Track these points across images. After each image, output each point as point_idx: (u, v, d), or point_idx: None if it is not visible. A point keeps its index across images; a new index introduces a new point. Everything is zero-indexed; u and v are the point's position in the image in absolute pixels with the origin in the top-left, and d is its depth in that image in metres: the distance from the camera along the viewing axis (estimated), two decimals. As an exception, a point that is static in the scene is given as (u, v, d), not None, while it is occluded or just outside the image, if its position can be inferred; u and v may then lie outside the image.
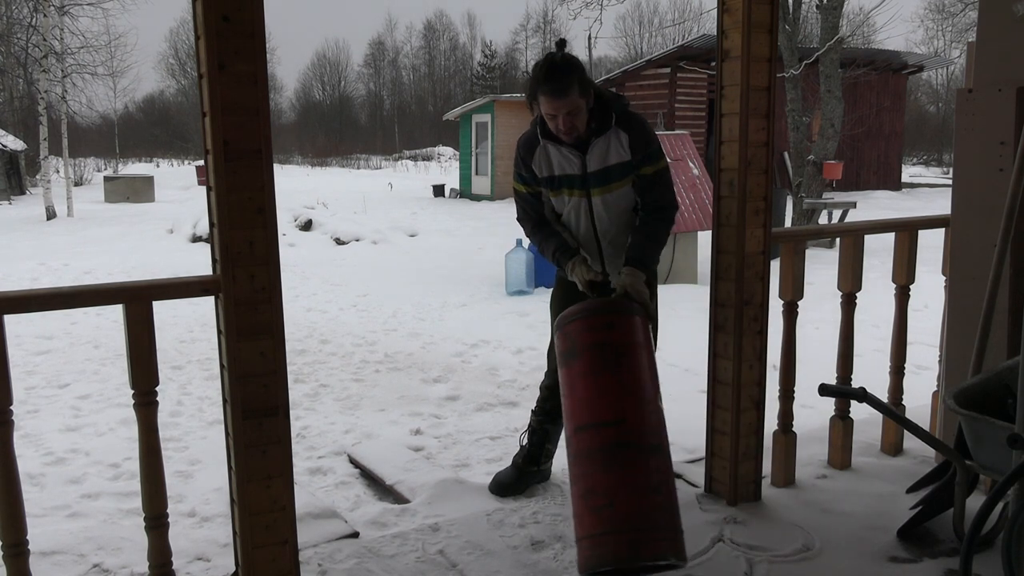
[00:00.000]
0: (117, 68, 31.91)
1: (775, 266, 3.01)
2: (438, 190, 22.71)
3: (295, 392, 5.18)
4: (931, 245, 3.92)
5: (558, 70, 2.70)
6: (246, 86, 2.15)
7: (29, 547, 2.19)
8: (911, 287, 3.58)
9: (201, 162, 13.49)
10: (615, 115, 2.83)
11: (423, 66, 67.61)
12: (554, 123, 2.78)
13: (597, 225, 2.98)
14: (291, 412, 2.48)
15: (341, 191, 22.24)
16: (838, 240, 3.65)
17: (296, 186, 23.17)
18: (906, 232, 3.51)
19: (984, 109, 3.05)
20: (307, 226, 13.97)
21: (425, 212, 17.94)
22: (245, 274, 2.22)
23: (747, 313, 3.01)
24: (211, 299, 2.29)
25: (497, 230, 14.19)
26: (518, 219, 3.13)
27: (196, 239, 13.49)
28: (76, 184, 24.74)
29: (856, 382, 3.07)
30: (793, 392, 3.30)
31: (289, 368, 2.41)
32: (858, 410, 3.41)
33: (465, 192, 22.54)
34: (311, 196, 17.70)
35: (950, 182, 4.75)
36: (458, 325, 7.40)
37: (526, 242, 8.39)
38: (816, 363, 4.27)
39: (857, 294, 3.43)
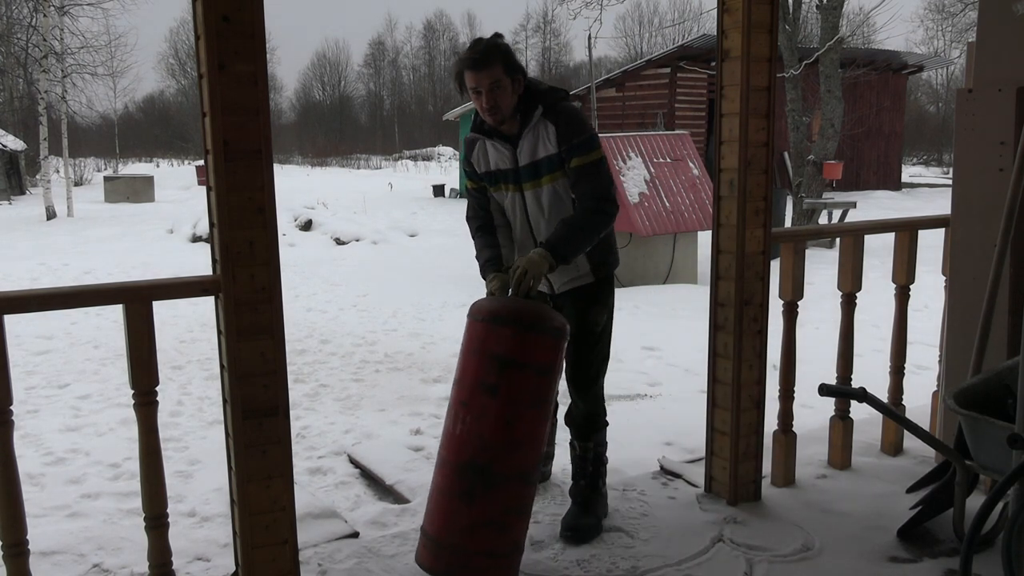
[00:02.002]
0: (117, 68, 31.89)
1: (775, 266, 3.01)
2: (438, 190, 22.71)
3: (295, 392, 5.18)
4: (931, 245, 3.92)
5: (483, 44, 2.68)
6: (246, 86, 2.15)
7: (29, 547, 2.19)
8: (911, 287, 3.58)
9: (201, 162, 13.49)
10: (543, 107, 2.75)
11: (423, 66, 67.63)
12: (479, 101, 2.70)
13: (531, 222, 2.90)
14: (291, 412, 2.48)
15: (341, 191, 22.24)
16: (838, 240, 3.65)
17: (296, 186, 23.18)
18: (906, 232, 3.51)
19: (984, 109, 3.05)
20: (307, 226, 13.97)
21: (425, 212, 17.94)
22: (245, 274, 2.22)
23: (747, 313, 3.01)
24: (211, 299, 2.29)
25: (497, 230, 14.15)
26: (466, 217, 3.07)
27: (196, 239, 13.49)
28: (76, 184, 24.75)
29: (856, 382, 3.06)
30: (793, 392, 3.30)
31: (289, 368, 2.41)
32: (858, 410, 3.41)
33: (465, 192, 22.54)
34: (311, 196, 17.70)
35: (950, 182, 4.75)
36: (458, 325, 7.34)
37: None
38: (816, 363, 4.28)
39: (857, 294, 3.43)
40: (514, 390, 2.49)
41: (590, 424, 3.01)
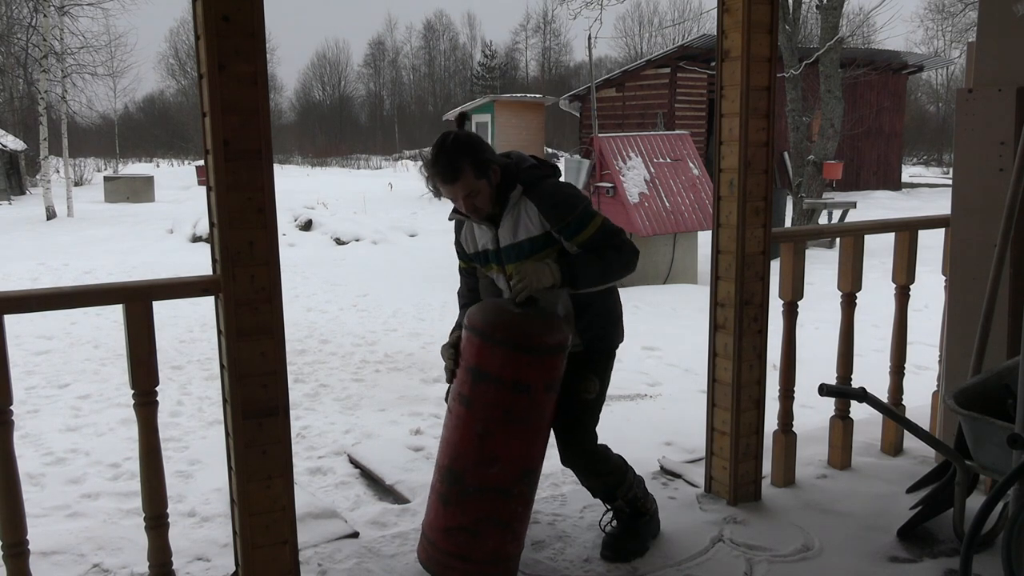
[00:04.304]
0: (117, 68, 31.86)
1: (775, 266, 3.01)
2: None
3: (295, 392, 5.18)
4: (931, 245, 3.92)
5: (447, 152, 2.48)
6: (246, 86, 2.15)
7: (29, 547, 2.19)
8: (911, 287, 3.58)
9: (201, 162, 13.49)
10: (522, 187, 2.57)
11: (423, 66, 67.60)
12: (456, 204, 2.59)
13: None
14: (291, 412, 2.48)
15: (341, 191, 22.22)
16: (838, 240, 3.65)
17: (296, 186, 23.16)
18: (906, 232, 3.51)
19: (984, 109, 3.05)
20: (307, 226, 13.97)
21: (425, 212, 17.91)
22: (245, 274, 2.22)
23: (747, 313, 3.01)
24: (211, 299, 2.29)
25: (497, 230, 14.15)
26: (457, 292, 2.91)
27: (196, 239, 13.49)
28: (76, 184, 24.74)
29: (856, 382, 3.07)
30: (793, 392, 3.30)
31: (289, 368, 2.41)
32: (858, 410, 3.41)
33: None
34: (311, 196, 17.71)
35: (950, 182, 4.75)
36: (458, 325, 7.40)
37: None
38: (816, 363, 4.28)
39: (857, 294, 3.43)
40: (486, 404, 2.43)
41: (605, 490, 2.78)
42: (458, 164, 2.47)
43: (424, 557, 2.58)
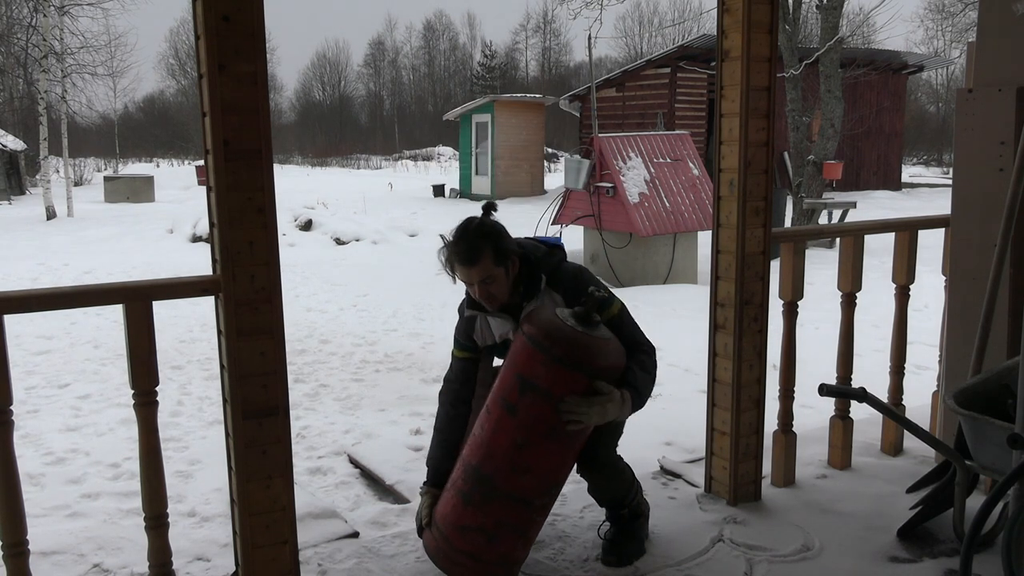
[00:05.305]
0: (117, 68, 31.91)
1: (775, 266, 3.01)
2: (438, 190, 22.71)
3: (295, 392, 5.18)
4: (931, 245, 3.92)
5: (469, 236, 2.48)
6: (246, 86, 2.15)
7: (29, 547, 2.19)
8: (911, 287, 3.58)
9: (201, 162, 13.49)
10: (545, 277, 2.58)
11: (423, 66, 67.62)
12: (472, 290, 2.57)
13: None
14: (291, 412, 2.48)
15: (341, 191, 22.24)
16: (838, 240, 3.65)
17: (296, 186, 23.18)
18: (906, 232, 3.51)
19: (984, 109, 3.05)
20: (307, 226, 13.96)
21: (425, 212, 17.93)
22: (245, 274, 2.22)
23: (747, 313, 3.01)
24: (211, 299, 2.29)
25: (497, 230, 14.15)
26: (445, 379, 2.85)
27: (196, 239, 13.48)
28: (76, 184, 24.74)
29: (856, 382, 3.07)
30: (793, 392, 3.30)
31: (289, 368, 2.41)
32: (858, 410, 3.41)
33: (465, 192, 22.54)
34: (311, 196, 17.71)
35: (950, 182, 4.75)
36: (458, 325, 7.40)
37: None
38: (816, 363, 4.28)
39: (857, 294, 3.43)
40: (531, 416, 2.39)
41: (616, 499, 2.79)
42: (479, 248, 2.47)
43: (432, 547, 2.55)
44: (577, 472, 2.70)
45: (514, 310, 2.60)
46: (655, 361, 2.60)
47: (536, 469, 2.43)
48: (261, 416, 2.30)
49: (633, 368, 2.50)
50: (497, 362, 2.80)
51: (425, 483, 2.72)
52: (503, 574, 2.52)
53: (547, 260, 2.63)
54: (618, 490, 2.76)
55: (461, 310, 2.75)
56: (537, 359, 2.38)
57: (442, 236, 2.58)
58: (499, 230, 2.54)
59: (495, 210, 2.60)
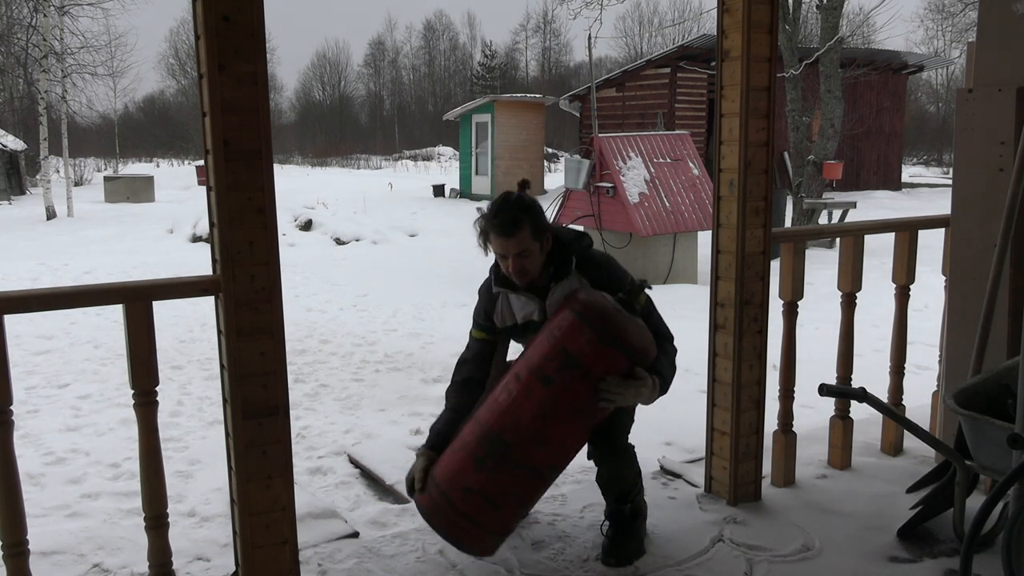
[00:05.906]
0: (117, 68, 31.89)
1: (775, 266, 3.01)
2: (438, 190, 22.70)
3: (295, 392, 5.18)
4: (931, 245, 3.92)
5: (509, 208, 2.53)
6: (246, 86, 2.15)
7: (29, 547, 2.19)
8: (911, 287, 3.58)
9: (201, 162, 13.49)
10: (575, 259, 2.63)
11: (423, 66, 67.60)
12: (504, 264, 2.59)
13: None
14: (291, 412, 2.48)
15: (341, 191, 22.21)
16: (838, 240, 3.65)
17: (296, 186, 23.14)
18: (906, 232, 3.51)
19: (984, 109, 3.05)
20: (307, 226, 13.97)
21: (425, 212, 17.92)
22: (245, 274, 2.22)
23: (747, 313, 3.01)
24: (211, 299, 2.29)
25: (497, 230, 14.15)
26: (460, 360, 2.81)
27: (196, 239, 13.49)
28: (76, 184, 24.74)
29: (856, 382, 3.07)
30: (793, 392, 3.30)
31: (289, 368, 2.42)
32: (858, 410, 3.41)
33: (465, 192, 22.54)
34: (311, 196, 17.69)
35: (950, 182, 4.75)
36: (458, 325, 7.39)
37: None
38: (816, 363, 4.28)
39: (857, 294, 3.43)
40: (567, 391, 2.42)
41: (624, 491, 2.78)
42: (519, 220, 2.52)
43: (428, 505, 2.48)
44: (591, 458, 2.74)
45: (540, 291, 2.64)
46: (676, 351, 2.69)
47: (555, 442, 2.47)
48: (261, 416, 2.30)
49: (660, 357, 2.58)
50: (512, 350, 2.82)
51: (424, 445, 2.67)
52: (494, 544, 2.53)
53: (577, 243, 2.68)
54: (627, 479, 2.78)
55: (483, 290, 2.78)
56: (584, 336, 2.41)
57: (479, 209, 2.62)
58: (538, 206, 2.60)
59: (529, 187, 2.66)
